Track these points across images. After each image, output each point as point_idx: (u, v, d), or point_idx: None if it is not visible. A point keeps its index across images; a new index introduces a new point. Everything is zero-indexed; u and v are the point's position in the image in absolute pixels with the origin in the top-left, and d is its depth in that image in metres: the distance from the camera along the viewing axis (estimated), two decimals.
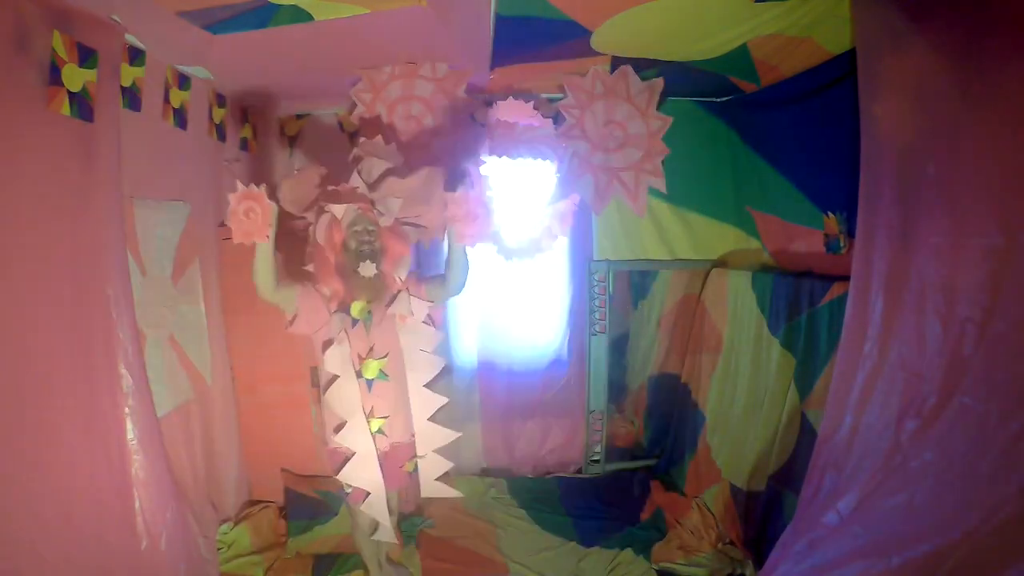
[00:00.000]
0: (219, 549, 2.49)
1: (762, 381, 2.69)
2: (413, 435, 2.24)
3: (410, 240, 2.22)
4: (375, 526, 2.18)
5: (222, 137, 2.74)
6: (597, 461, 3.39)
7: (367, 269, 2.04)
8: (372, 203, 2.12)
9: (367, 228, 2.07)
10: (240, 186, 1.89)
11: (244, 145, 2.99)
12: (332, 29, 1.95)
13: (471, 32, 2.19)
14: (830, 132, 2.33)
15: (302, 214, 2.22)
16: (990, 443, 1.46)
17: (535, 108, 2.94)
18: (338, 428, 2.12)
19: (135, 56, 2.00)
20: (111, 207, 1.78)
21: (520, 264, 3.14)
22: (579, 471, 3.40)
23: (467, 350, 3.36)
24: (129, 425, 1.79)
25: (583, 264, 3.26)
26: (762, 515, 2.51)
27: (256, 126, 3.13)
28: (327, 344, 2.11)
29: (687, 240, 3.22)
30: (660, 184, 2.76)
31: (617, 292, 3.75)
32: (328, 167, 3.24)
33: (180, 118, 2.35)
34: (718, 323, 3.04)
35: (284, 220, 2.06)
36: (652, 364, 3.72)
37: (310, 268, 2.16)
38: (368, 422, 2.10)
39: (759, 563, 2.24)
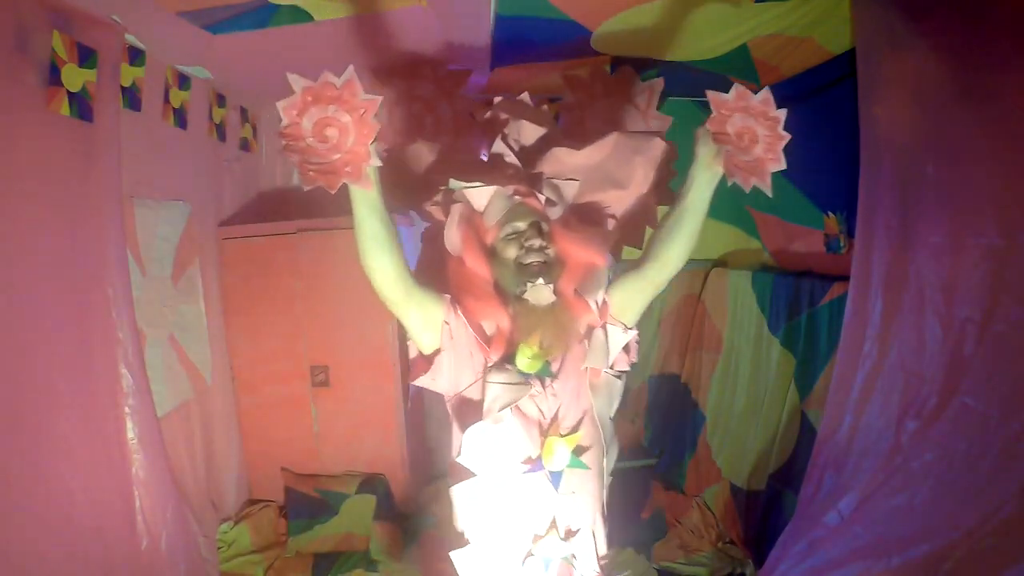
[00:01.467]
0: (219, 549, 2.49)
1: (762, 381, 2.69)
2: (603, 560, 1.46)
3: (603, 243, 1.40)
4: None
5: (222, 137, 2.74)
6: None
7: (540, 293, 1.25)
8: (534, 186, 1.37)
9: (533, 224, 1.30)
10: (296, 81, 1.15)
11: (244, 145, 2.99)
12: (332, 29, 1.94)
13: (471, 32, 2.18)
14: (830, 132, 2.33)
15: (412, 207, 1.49)
16: (990, 443, 1.46)
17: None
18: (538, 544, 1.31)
19: (135, 56, 2.00)
20: (111, 207, 1.78)
21: None
22: None
23: None
24: (129, 425, 1.79)
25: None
26: (762, 515, 2.51)
27: (256, 126, 3.13)
28: (464, 411, 1.29)
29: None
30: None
31: None
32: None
33: (180, 118, 2.34)
34: (718, 323, 3.04)
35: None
36: (652, 364, 3.71)
37: (448, 298, 1.34)
38: (543, 543, 1.30)
39: (759, 562, 2.24)
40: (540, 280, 1.26)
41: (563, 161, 1.43)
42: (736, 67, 2.54)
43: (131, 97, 2.00)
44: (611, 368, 1.36)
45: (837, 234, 2.40)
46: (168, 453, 2.00)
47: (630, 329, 1.38)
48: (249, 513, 2.72)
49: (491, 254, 1.32)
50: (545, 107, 1.65)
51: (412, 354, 1.39)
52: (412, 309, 1.27)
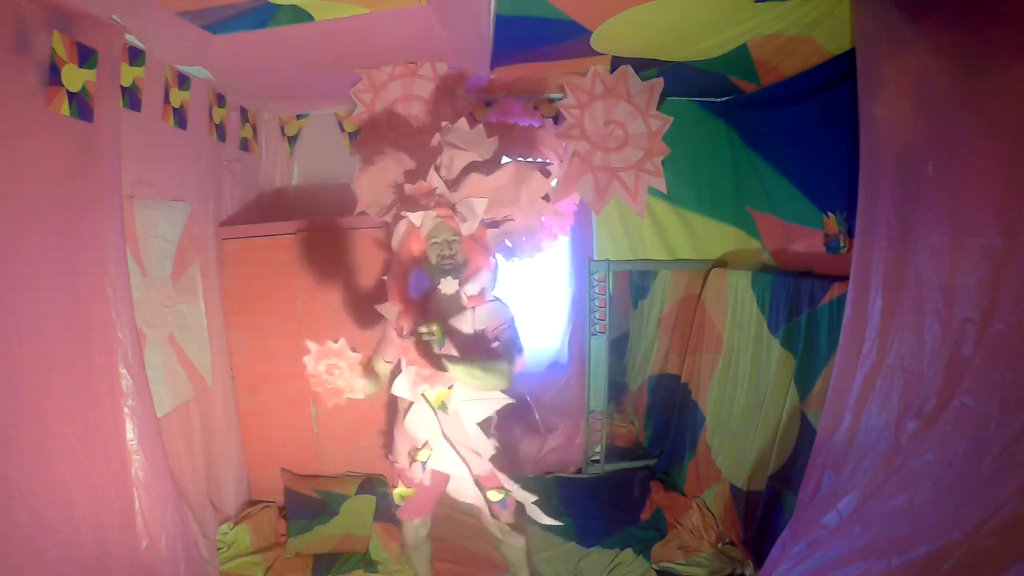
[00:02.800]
0: (219, 549, 2.49)
1: (762, 381, 2.68)
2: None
3: (493, 250, 1.98)
4: (420, 541, 2.25)
5: (222, 137, 2.74)
6: (597, 461, 3.39)
7: (448, 286, 1.84)
8: (453, 207, 1.88)
9: (448, 239, 1.86)
10: (311, 345, 1.78)
11: (244, 145, 2.99)
12: (332, 29, 1.95)
13: (471, 32, 2.18)
14: (830, 132, 2.33)
15: (381, 218, 2.11)
16: (990, 443, 1.45)
17: (535, 108, 2.95)
18: (413, 453, 1.99)
19: (135, 56, 2.00)
20: (111, 207, 1.78)
21: (520, 264, 3.15)
22: (579, 471, 3.40)
23: None
24: (129, 425, 1.79)
25: (583, 264, 3.26)
26: (762, 515, 2.51)
27: (256, 126, 3.13)
28: (397, 368, 1.94)
29: (687, 240, 3.22)
30: (660, 184, 2.76)
31: (617, 292, 3.75)
32: (327, 169, 3.22)
33: (180, 118, 2.35)
34: (718, 323, 3.04)
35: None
36: (652, 364, 3.72)
37: (386, 279, 1.99)
38: (420, 452, 1.98)
39: (759, 563, 2.24)
40: (449, 277, 1.85)
41: (476, 184, 1.91)
42: (736, 67, 2.54)
43: (131, 97, 2.00)
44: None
45: (837, 234, 2.41)
46: (168, 453, 2.00)
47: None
48: (249, 514, 2.72)
49: (422, 256, 1.91)
50: (480, 128, 2.04)
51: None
52: (384, 379, 2.01)
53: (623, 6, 1.93)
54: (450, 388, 1.88)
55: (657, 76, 2.70)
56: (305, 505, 2.70)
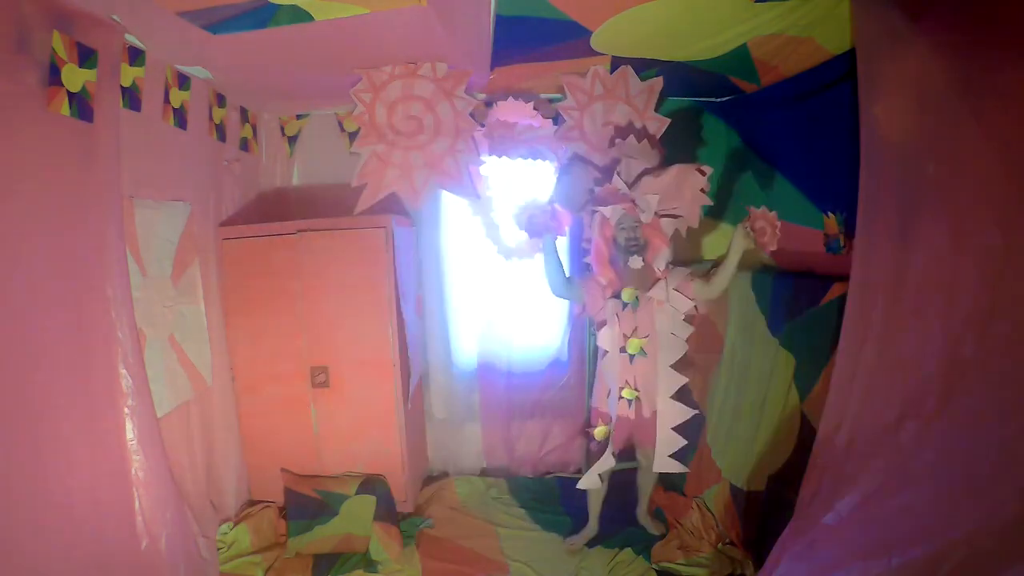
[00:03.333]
0: (219, 549, 2.49)
1: (762, 381, 2.68)
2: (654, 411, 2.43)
3: (668, 233, 2.47)
4: (606, 476, 2.59)
5: (222, 137, 2.74)
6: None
7: (636, 262, 2.39)
8: (634, 201, 2.41)
9: (632, 225, 2.41)
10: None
11: (244, 145, 2.99)
12: (332, 29, 1.95)
13: (471, 32, 2.19)
14: (830, 132, 2.33)
15: (577, 212, 2.64)
16: (990, 443, 1.45)
17: (535, 108, 2.94)
18: (607, 394, 2.50)
19: (135, 56, 2.00)
20: (111, 207, 1.78)
21: (520, 264, 3.15)
22: (579, 471, 3.40)
23: (467, 350, 3.37)
24: (129, 425, 1.79)
25: (583, 264, 3.26)
26: (762, 515, 2.51)
27: (256, 126, 3.13)
28: (601, 324, 2.46)
29: (687, 240, 3.22)
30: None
31: None
32: (327, 169, 3.26)
33: (180, 118, 2.35)
34: (718, 323, 3.04)
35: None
36: None
37: (588, 261, 2.57)
38: (624, 391, 2.43)
39: (759, 563, 2.23)
40: (636, 255, 2.40)
41: (649, 184, 2.44)
42: (736, 67, 2.54)
43: (131, 97, 2.00)
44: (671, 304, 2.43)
45: (837, 234, 2.40)
46: (168, 453, 2.00)
47: (690, 300, 2.44)
48: (249, 514, 2.72)
49: (612, 240, 2.46)
50: (645, 142, 2.62)
51: (577, 309, 2.73)
52: (573, 292, 2.57)
53: (623, 6, 1.93)
54: (646, 337, 2.39)
55: (657, 76, 2.71)
56: (305, 505, 2.70)
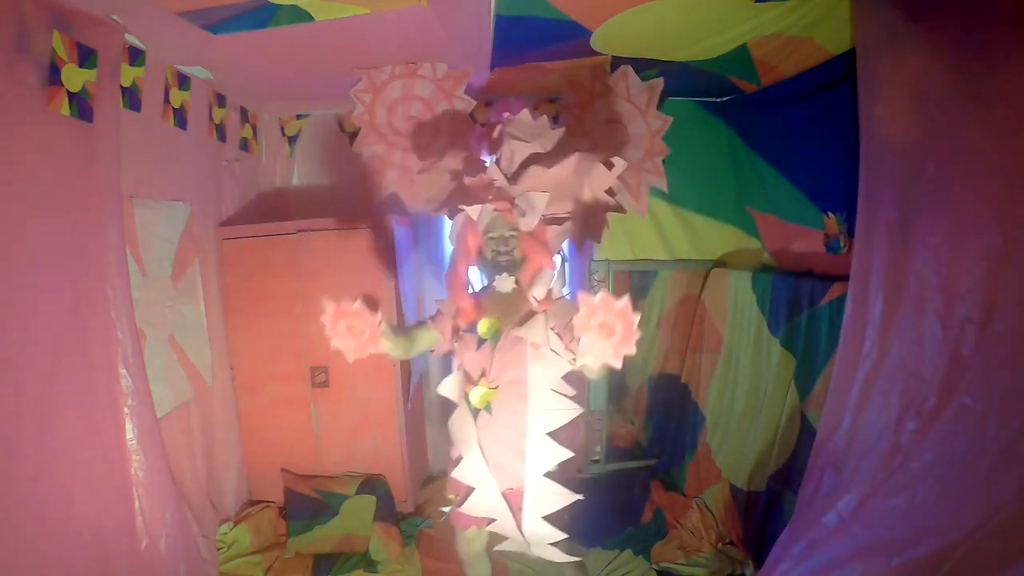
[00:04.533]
0: (219, 549, 2.49)
1: (762, 381, 2.68)
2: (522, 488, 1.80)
3: (555, 248, 1.85)
4: (476, 555, 2.05)
5: (222, 137, 2.74)
6: (597, 461, 3.39)
7: (503, 283, 1.79)
8: (512, 200, 1.80)
9: (504, 235, 1.79)
10: (327, 304, 1.67)
11: (244, 145, 2.99)
12: (332, 29, 1.95)
13: (471, 32, 2.18)
14: (830, 132, 2.33)
15: (439, 212, 2.07)
16: (990, 443, 1.45)
17: (535, 108, 2.94)
18: (456, 462, 1.85)
19: (135, 56, 2.00)
20: (111, 207, 1.78)
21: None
22: (579, 471, 3.40)
23: None
24: (129, 425, 1.79)
25: (583, 264, 3.26)
26: (762, 515, 2.51)
27: (256, 126, 3.13)
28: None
29: (687, 240, 3.22)
30: (662, 183, 2.76)
31: (617, 292, 3.74)
32: (327, 169, 3.24)
33: (180, 118, 2.35)
34: (718, 323, 3.04)
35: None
36: (652, 364, 3.71)
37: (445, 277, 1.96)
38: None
39: (759, 563, 2.24)
40: (505, 274, 1.80)
41: (537, 177, 1.80)
42: (736, 67, 2.54)
43: (131, 97, 2.00)
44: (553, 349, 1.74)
45: (837, 234, 2.40)
46: (168, 453, 2.00)
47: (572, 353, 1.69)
48: (249, 514, 2.72)
49: (478, 251, 1.84)
50: (544, 118, 1.92)
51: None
52: (422, 347, 1.94)
53: (623, 6, 1.93)
54: (495, 388, 1.77)
55: (657, 76, 2.70)
56: (305, 505, 2.70)
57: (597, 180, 1.84)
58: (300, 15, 1.84)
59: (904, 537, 1.58)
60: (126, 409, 1.79)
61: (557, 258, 1.87)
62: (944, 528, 1.49)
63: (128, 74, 1.96)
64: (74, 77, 1.60)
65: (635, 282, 3.86)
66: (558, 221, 1.85)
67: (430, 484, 3.25)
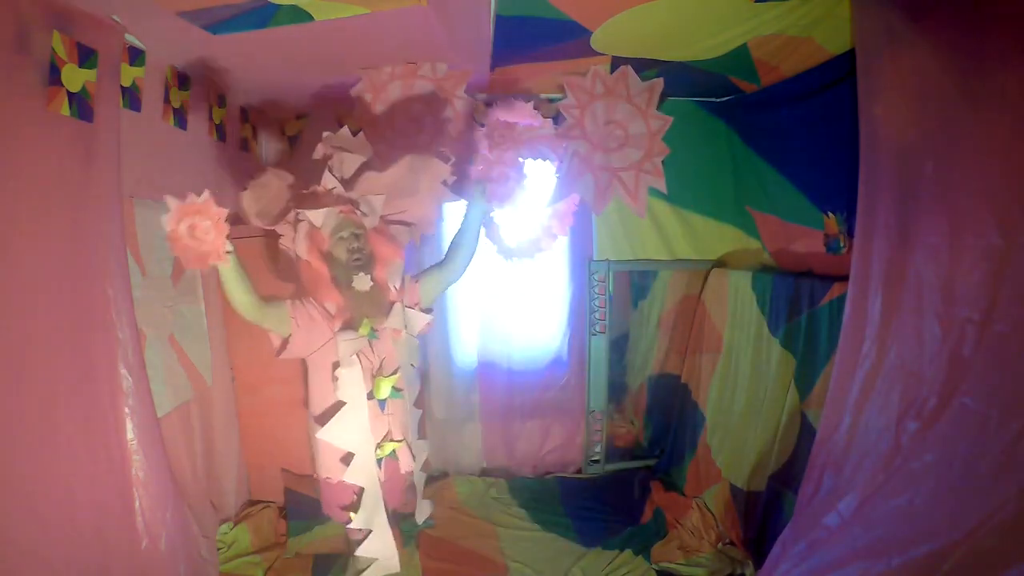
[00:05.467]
0: (219, 549, 2.49)
1: (762, 381, 2.68)
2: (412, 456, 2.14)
3: (401, 241, 2.04)
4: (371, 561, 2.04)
5: (222, 137, 2.74)
6: (597, 461, 3.39)
7: (362, 282, 1.85)
8: (354, 204, 1.91)
9: (354, 233, 1.88)
10: (171, 201, 1.55)
11: (244, 145, 2.99)
12: (332, 29, 1.95)
13: (471, 32, 2.18)
14: (830, 132, 2.33)
15: (272, 227, 2.01)
16: (990, 444, 1.45)
17: (535, 108, 2.94)
18: (346, 459, 1.93)
19: (135, 56, 2.00)
20: (111, 207, 1.78)
21: (520, 264, 3.15)
22: (579, 471, 3.40)
23: (467, 350, 3.37)
24: (129, 425, 1.79)
25: (583, 264, 3.26)
26: (762, 515, 2.51)
27: (256, 126, 3.13)
28: (334, 367, 1.91)
29: (687, 240, 3.22)
30: (660, 184, 2.77)
31: (617, 292, 3.75)
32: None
33: (180, 118, 2.34)
34: (718, 323, 3.04)
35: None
36: (652, 364, 3.72)
37: (300, 285, 2.02)
38: (381, 447, 1.96)
39: (759, 563, 2.24)
40: (361, 273, 1.86)
41: (372, 181, 1.98)
42: (736, 67, 2.54)
43: (131, 97, 2.00)
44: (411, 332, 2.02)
45: (837, 234, 2.40)
46: (168, 453, 2.00)
47: (427, 311, 2.05)
48: (249, 514, 2.73)
49: (328, 256, 1.90)
50: (360, 134, 2.14)
51: (275, 342, 1.97)
52: (266, 319, 1.87)
53: (623, 6, 1.93)
54: (395, 373, 1.95)
55: (657, 76, 2.70)
56: (305, 505, 2.70)
57: (434, 173, 2.06)
58: (300, 15, 1.84)
59: (904, 537, 1.58)
60: (126, 409, 1.79)
61: (402, 250, 2.04)
62: (944, 528, 1.49)
63: (128, 74, 1.96)
64: (74, 77, 1.60)
65: (635, 282, 3.87)
66: (396, 221, 2.06)
67: (430, 484, 3.25)
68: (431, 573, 2.52)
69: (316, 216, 1.84)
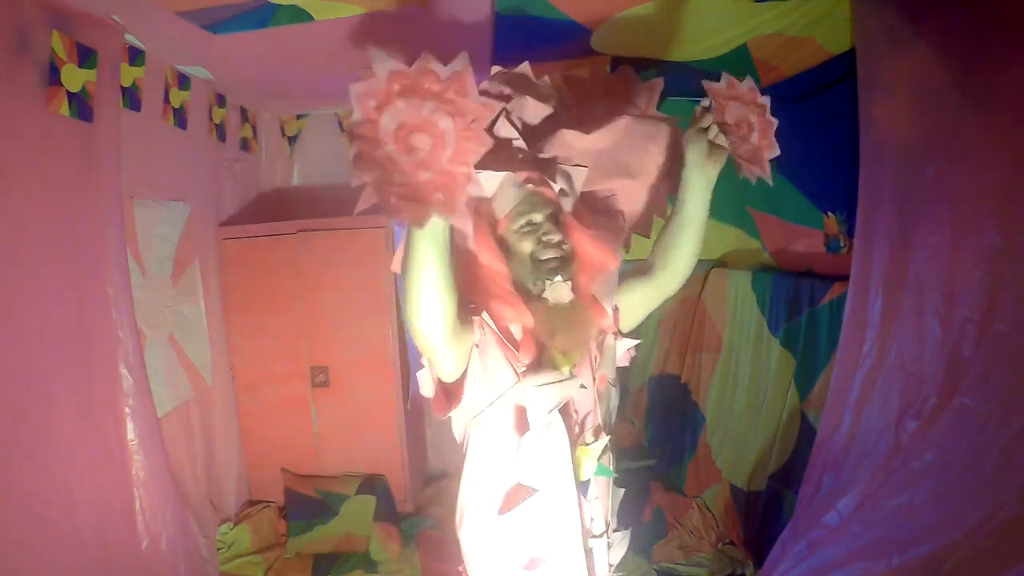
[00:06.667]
0: (219, 549, 2.49)
1: (762, 381, 2.68)
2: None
3: (617, 239, 1.27)
4: None
5: (222, 137, 2.74)
6: None
7: (559, 292, 1.15)
8: (546, 173, 1.21)
9: (551, 217, 1.19)
10: (383, 58, 0.87)
11: (244, 145, 2.99)
12: (332, 29, 1.94)
13: (471, 32, 2.18)
14: (830, 132, 2.33)
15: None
16: (990, 444, 1.45)
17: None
18: (532, 565, 1.18)
19: (135, 56, 2.00)
20: (111, 207, 1.78)
21: None
22: None
23: None
24: (129, 425, 1.79)
25: None
26: (762, 515, 2.51)
27: (256, 126, 3.13)
28: (520, 427, 1.17)
29: None
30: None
31: None
32: (327, 169, 3.22)
33: (180, 118, 2.35)
34: (718, 323, 3.04)
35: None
36: (652, 364, 3.71)
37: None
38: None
39: (759, 563, 2.24)
40: (559, 277, 1.16)
41: (571, 145, 1.25)
42: (736, 67, 2.52)
43: (131, 97, 2.00)
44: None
45: (837, 234, 2.40)
46: (168, 453, 2.00)
47: (633, 337, 1.37)
48: (249, 514, 2.72)
49: (505, 247, 1.19)
50: (546, 79, 1.42)
51: (426, 382, 1.23)
52: (456, 350, 1.10)
53: (623, 6, 1.93)
54: (593, 443, 1.22)
55: (657, 76, 2.70)
56: (305, 505, 2.70)
57: (661, 143, 1.33)
58: (300, 15, 1.84)
59: (904, 537, 1.58)
60: (126, 409, 1.79)
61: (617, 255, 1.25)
62: (944, 528, 1.48)
63: (128, 74, 1.96)
64: (74, 77, 1.60)
65: None
66: (608, 207, 1.30)
67: (430, 484, 3.25)
68: (431, 573, 2.51)
69: (488, 181, 1.09)
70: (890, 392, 1.79)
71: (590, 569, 1.23)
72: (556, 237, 1.17)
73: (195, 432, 2.47)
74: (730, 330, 2.95)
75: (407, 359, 2.87)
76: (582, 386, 1.20)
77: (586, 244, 1.22)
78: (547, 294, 1.16)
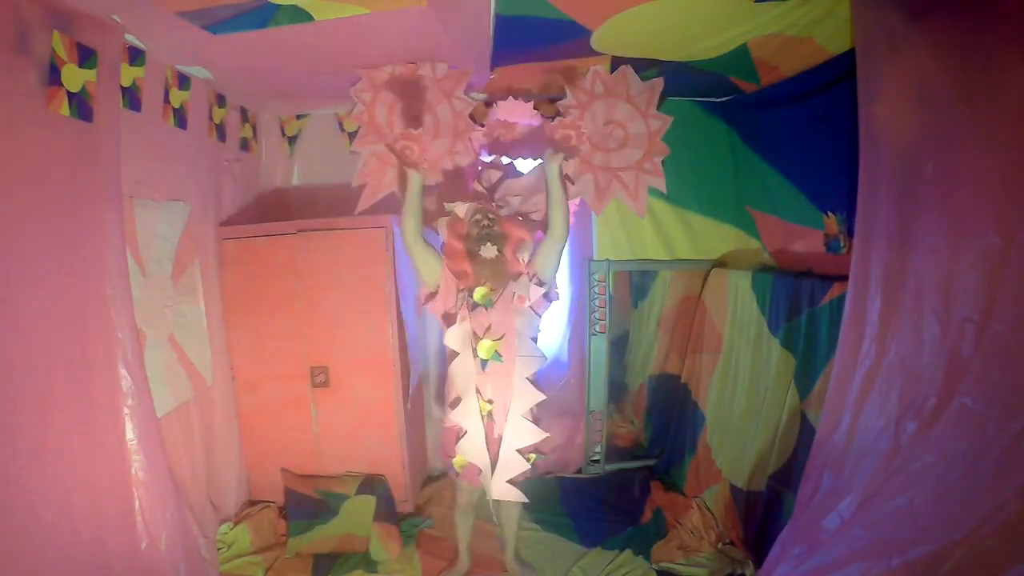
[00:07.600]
0: (219, 549, 2.49)
1: (762, 381, 2.69)
2: None
3: (531, 228, 2.32)
4: (473, 504, 2.42)
5: (222, 137, 2.74)
6: (597, 461, 3.39)
7: (488, 251, 2.17)
8: (494, 202, 2.40)
9: (486, 215, 2.24)
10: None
11: (244, 145, 2.99)
12: (332, 29, 1.95)
13: (471, 32, 2.19)
14: (830, 132, 2.33)
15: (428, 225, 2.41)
16: (990, 444, 1.45)
17: (535, 108, 2.94)
18: (453, 403, 2.21)
19: (135, 56, 2.00)
20: (111, 207, 1.78)
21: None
22: (579, 471, 3.40)
23: None
24: (129, 425, 1.80)
25: (583, 264, 3.26)
26: (762, 515, 2.51)
27: (256, 126, 3.13)
28: (449, 319, 2.21)
29: (687, 240, 3.22)
30: (660, 184, 2.76)
31: (617, 292, 3.75)
32: (327, 169, 3.28)
33: (180, 118, 2.35)
34: (718, 323, 3.04)
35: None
36: (652, 364, 3.72)
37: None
38: (479, 403, 2.17)
39: (759, 563, 2.24)
40: (488, 243, 2.18)
41: (510, 187, 2.55)
42: (736, 67, 2.55)
43: (131, 97, 2.00)
44: (532, 306, 2.23)
45: (837, 234, 2.41)
46: (168, 453, 2.00)
47: (545, 282, 2.25)
48: (249, 514, 2.73)
49: (464, 236, 2.27)
50: (501, 158, 2.63)
51: (421, 291, 2.32)
52: (421, 253, 2.22)
53: (623, 6, 1.93)
54: (501, 338, 2.13)
55: (657, 76, 2.70)
56: (305, 505, 2.70)
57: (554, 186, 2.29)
58: (300, 15, 1.84)
59: (904, 537, 1.58)
60: (126, 409, 1.79)
61: (532, 233, 2.32)
62: (944, 528, 1.49)
63: (128, 74, 1.96)
64: (74, 77, 1.60)
65: (635, 282, 3.87)
66: (526, 213, 2.46)
67: (430, 484, 3.25)
68: (431, 573, 2.52)
69: (460, 208, 2.30)
70: (889, 392, 1.79)
71: (485, 423, 2.17)
72: (486, 222, 2.23)
73: (195, 432, 2.47)
74: (730, 330, 2.95)
75: (407, 359, 2.87)
76: (486, 307, 2.17)
77: (512, 228, 2.28)
78: (482, 252, 2.19)
